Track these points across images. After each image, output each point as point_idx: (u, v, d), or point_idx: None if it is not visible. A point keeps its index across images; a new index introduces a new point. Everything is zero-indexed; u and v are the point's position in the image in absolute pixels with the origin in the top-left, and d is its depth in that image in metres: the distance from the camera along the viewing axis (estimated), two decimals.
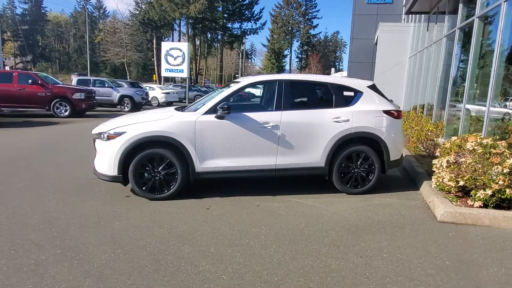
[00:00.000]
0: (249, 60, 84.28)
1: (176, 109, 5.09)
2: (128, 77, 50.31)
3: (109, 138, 4.52)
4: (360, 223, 3.98)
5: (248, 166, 4.67)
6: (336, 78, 5.27)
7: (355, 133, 4.79)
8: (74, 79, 18.20)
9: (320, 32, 79.12)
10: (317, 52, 63.18)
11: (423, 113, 11.68)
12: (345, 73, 31.47)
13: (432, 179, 4.71)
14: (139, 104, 17.85)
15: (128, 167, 4.49)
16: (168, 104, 22.81)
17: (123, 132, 4.47)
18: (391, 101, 5.25)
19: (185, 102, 25.57)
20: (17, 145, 8.07)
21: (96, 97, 15.81)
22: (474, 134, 4.72)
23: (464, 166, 4.30)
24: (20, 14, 77.02)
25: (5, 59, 71.18)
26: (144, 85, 23.81)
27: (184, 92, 26.17)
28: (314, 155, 4.76)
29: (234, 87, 4.82)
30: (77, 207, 4.30)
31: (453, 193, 4.50)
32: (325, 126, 4.73)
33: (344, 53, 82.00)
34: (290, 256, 3.18)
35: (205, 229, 3.76)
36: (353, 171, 4.90)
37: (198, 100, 5.46)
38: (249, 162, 4.66)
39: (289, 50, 66.18)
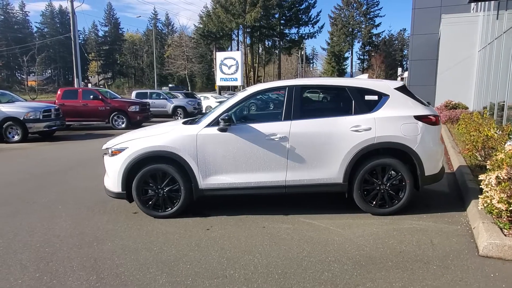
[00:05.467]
0: (310, 65, 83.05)
1: (184, 122, 4.85)
2: (189, 88, 52.70)
3: (113, 153, 4.43)
4: (375, 254, 3.30)
5: (254, 183, 4.23)
6: (358, 80, 4.60)
7: (378, 143, 4.08)
8: (133, 93, 19.31)
9: (384, 31, 74.85)
10: (381, 52, 59.85)
11: (492, 114, 10.09)
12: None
13: (479, 199, 3.80)
14: (192, 114, 18.30)
15: (132, 183, 4.34)
16: None
17: (126, 148, 4.34)
18: (428, 104, 4.43)
19: None
20: (66, 158, 8.58)
21: (151, 109, 16.53)
22: None
23: None
24: (102, 36, 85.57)
25: (90, 77, 79.50)
26: (199, 95, 24.49)
27: None
28: (330, 170, 4.15)
29: (239, 96, 4.43)
30: (80, 225, 4.25)
31: (505, 218, 3.57)
32: (341, 136, 4.10)
33: None
34: None
35: (193, 254, 3.41)
36: (378, 188, 4.18)
37: (210, 111, 5.18)
38: (255, 178, 4.22)
39: (350, 52, 63.75)
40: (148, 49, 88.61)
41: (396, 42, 74.91)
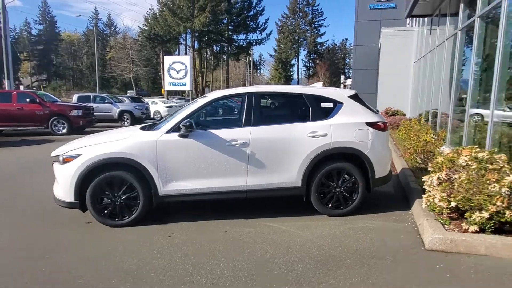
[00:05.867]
0: (258, 71, 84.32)
1: (142, 127, 4.73)
2: (135, 91, 50.74)
3: (65, 161, 4.19)
4: (334, 252, 3.49)
5: (216, 188, 4.25)
6: (314, 88, 4.83)
7: (334, 148, 4.32)
8: (74, 96, 18.20)
9: (328, 40, 78.68)
10: (325, 60, 62.65)
11: (427, 120, 11.08)
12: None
13: (423, 199, 4.19)
14: (139, 119, 17.68)
15: (86, 192, 4.13)
16: None
17: (79, 155, 4.13)
18: (377, 111, 4.78)
19: None
20: (1, 165, 7.87)
21: (95, 113, 15.71)
22: (469, 147, 4.19)
23: (457, 184, 3.78)
24: (36, 35, 79.39)
25: (22, 78, 73.22)
26: (147, 99, 23.76)
27: None
28: (289, 174, 4.31)
29: (200, 102, 4.44)
30: (31, 236, 3.96)
31: (445, 214, 3.97)
32: (300, 142, 4.28)
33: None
34: None
35: (157, 262, 3.34)
36: (334, 191, 4.42)
37: (165, 118, 5.10)
38: (217, 183, 4.24)
39: (297, 59, 65.90)
40: (88, 50, 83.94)
41: (339, 51, 78.95)
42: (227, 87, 52.89)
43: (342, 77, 61.33)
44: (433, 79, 11.37)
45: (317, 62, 62.44)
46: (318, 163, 4.32)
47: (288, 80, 61.38)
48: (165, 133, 4.21)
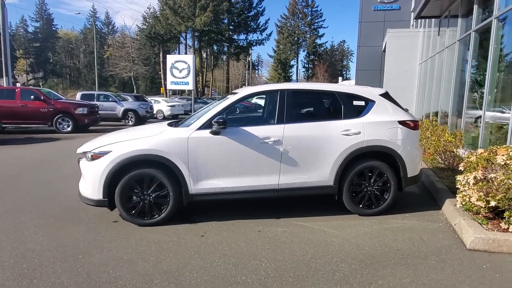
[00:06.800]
0: (256, 71, 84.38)
1: (169, 124, 4.65)
2: (135, 90, 50.45)
3: (93, 158, 4.09)
4: (376, 252, 3.43)
5: (247, 187, 4.17)
6: (344, 86, 4.77)
7: (367, 147, 4.26)
8: (78, 94, 18.02)
9: (327, 42, 78.76)
10: (324, 61, 62.75)
11: (437, 121, 11.07)
12: (352, 81, 30.88)
13: (457, 198, 4.14)
14: (144, 118, 17.55)
15: (115, 189, 4.03)
16: (174, 117, 22.53)
17: (109, 151, 4.03)
18: (406, 110, 4.73)
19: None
20: (9, 162, 7.72)
21: (100, 112, 15.56)
22: (504, 146, 4.15)
23: (496, 184, 3.73)
24: (32, 32, 78.79)
25: (18, 76, 72.57)
26: (150, 98, 23.61)
27: (190, 105, 25.89)
28: (322, 173, 4.24)
29: (231, 99, 4.35)
30: (56, 236, 3.85)
31: (482, 214, 3.93)
32: (333, 140, 4.22)
33: (351, 61, 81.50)
34: None
35: (196, 262, 3.25)
36: (365, 190, 4.36)
37: (192, 114, 5.02)
38: (248, 182, 4.16)
39: (296, 60, 65.92)
40: (85, 49, 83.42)
41: (337, 52, 79.16)
42: (227, 87, 52.81)
43: (340, 78, 61.49)
44: (442, 80, 11.36)
45: (316, 63, 62.48)
46: (351, 161, 4.27)
47: (287, 81, 61.35)
48: (196, 130, 4.12)
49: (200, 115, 4.37)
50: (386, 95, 4.57)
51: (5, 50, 22.54)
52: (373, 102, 4.43)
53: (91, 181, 4.07)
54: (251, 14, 46.75)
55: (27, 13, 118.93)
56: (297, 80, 65.45)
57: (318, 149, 4.20)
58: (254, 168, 4.15)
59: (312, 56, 65.02)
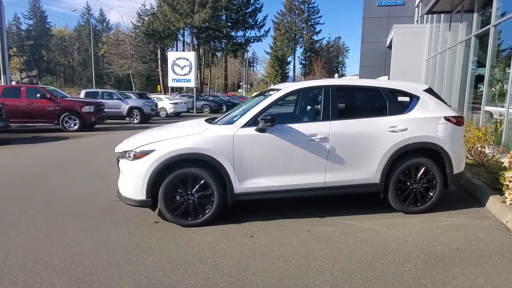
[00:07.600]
0: (251, 68, 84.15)
1: (206, 121, 4.54)
2: (133, 88, 49.97)
3: (136, 157, 3.96)
4: (436, 252, 3.36)
5: (293, 185, 4.08)
6: (390, 82, 4.69)
7: (414, 143, 4.19)
8: (82, 92, 17.76)
9: (324, 38, 78.65)
10: (321, 57, 62.73)
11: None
12: (356, 77, 30.82)
13: (506, 195, 4.09)
14: (149, 116, 17.36)
15: (157, 189, 3.92)
16: (176, 114, 22.33)
17: (152, 150, 3.91)
18: (449, 106, 4.66)
19: (193, 112, 25.10)
20: (28, 163, 7.54)
21: (105, 110, 15.34)
22: None
23: None
24: (25, 30, 77.74)
25: (11, 74, 71.56)
26: (152, 96, 23.37)
27: (191, 102, 25.72)
28: (368, 170, 4.16)
29: (275, 95, 4.23)
30: (101, 238, 3.72)
31: None
32: (380, 136, 4.13)
33: (347, 58, 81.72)
34: None
35: (255, 264, 3.16)
36: (411, 187, 4.28)
37: (229, 112, 4.90)
38: (295, 180, 4.07)
39: (293, 57, 65.89)
40: (80, 46, 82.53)
41: (332, 49, 79.21)
42: (226, 83, 52.56)
43: (336, 75, 61.57)
44: (455, 75, 11.34)
45: (313, 59, 62.45)
46: (397, 158, 4.19)
47: (284, 77, 61.32)
48: (241, 127, 4.01)
49: (242, 113, 4.26)
50: (430, 91, 4.49)
51: (2, 48, 22.14)
52: (417, 97, 4.35)
53: (134, 181, 3.95)
54: (248, 10, 46.57)
55: (20, 10, 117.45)
56: (294, 77, 65.40)
57: (365, 146, 4.12)
58: (300, 166, 4.05)
59: (309, 53, 64.99)
